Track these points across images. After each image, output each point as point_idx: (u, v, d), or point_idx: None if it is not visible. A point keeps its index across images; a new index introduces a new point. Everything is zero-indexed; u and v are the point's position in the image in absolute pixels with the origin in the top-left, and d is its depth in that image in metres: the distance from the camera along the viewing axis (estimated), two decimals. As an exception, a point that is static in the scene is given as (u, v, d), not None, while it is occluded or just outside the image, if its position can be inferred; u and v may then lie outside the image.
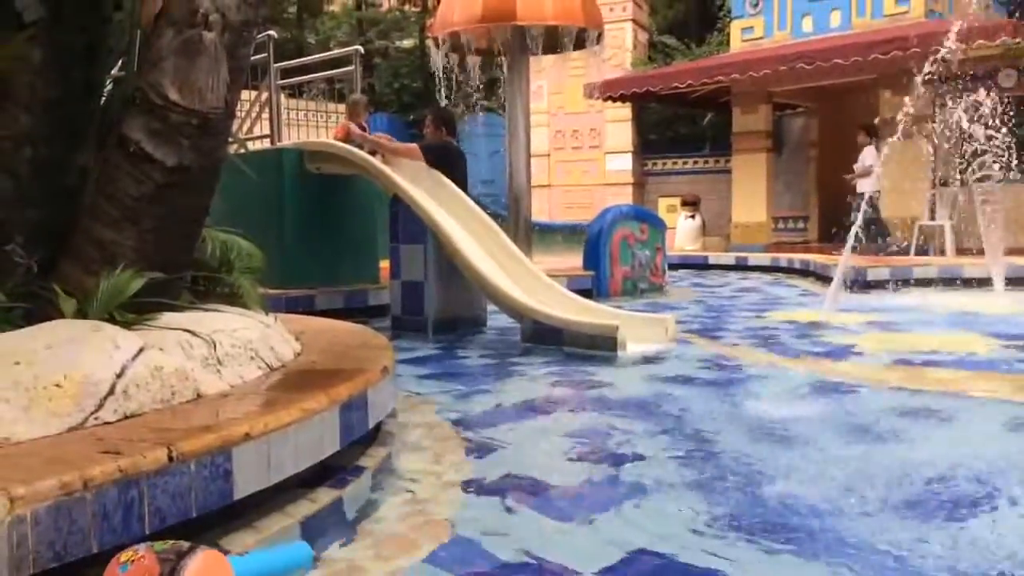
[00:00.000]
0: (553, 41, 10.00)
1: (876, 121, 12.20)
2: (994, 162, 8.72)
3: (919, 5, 12.68)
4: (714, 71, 13.47)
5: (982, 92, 8.73)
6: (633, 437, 3.29)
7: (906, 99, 7.45)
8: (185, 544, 1.63)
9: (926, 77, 7.37)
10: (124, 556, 1.59)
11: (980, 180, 9.05)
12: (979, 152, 8.88)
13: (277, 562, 1.89)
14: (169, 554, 1.58)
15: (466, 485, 2.73)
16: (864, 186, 11.99)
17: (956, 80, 8.91)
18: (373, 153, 6.98)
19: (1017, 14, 13.22)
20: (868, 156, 12.12)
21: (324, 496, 2.35)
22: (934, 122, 8.82)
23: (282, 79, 9.06)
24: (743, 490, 2.63)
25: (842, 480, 2.70)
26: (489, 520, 2.41)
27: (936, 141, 10.81)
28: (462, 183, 6.90)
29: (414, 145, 7.10)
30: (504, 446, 3.22)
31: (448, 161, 6.95)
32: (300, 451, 2.24)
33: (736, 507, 2.47)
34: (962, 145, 9.34)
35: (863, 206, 12.30)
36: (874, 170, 11.95)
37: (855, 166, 12.25)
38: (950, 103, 9.40)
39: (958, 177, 10.16)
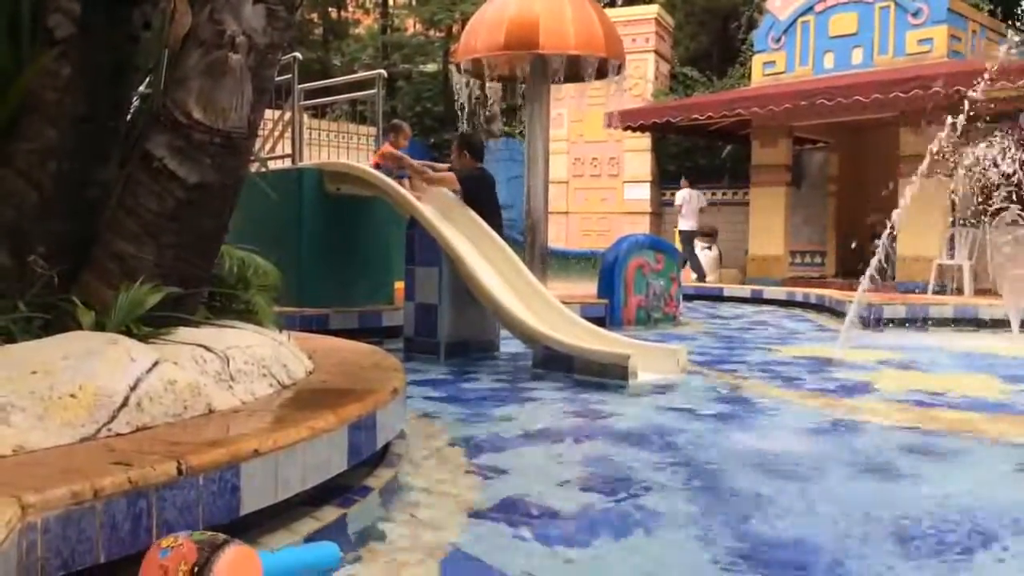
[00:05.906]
0: (575, 70, 10.04)
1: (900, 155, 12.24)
2: (1014, 203, 8.68)
3: (942, 45, 12.70)
4: (734, 104, 13.50)
5: (1002, 133, 8.71)
6: (639, 467, 3.29)
7: (928, 138, 7.45)
8: (220, 536, 1.68)
9: (948, 118, 7.37)
10: (165, 542, 1.65)
11: (998, 219, 9.00)
12: (999, 193, 8.85)
13: (306, 560, 1.92)
14: (204, 545, 1.62)
15: (471, 509, 2.74)
16: (683, 225, 14.63)
17: (976, 121, 8.89)
18: (395, 176, 7.01)
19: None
20: (678, 197, 14.82)
21: (329, 514, 2.37)
22: (953, 162, 8.81)
23: (306, 100, 9.15)
24: (747, 525, 2.62)
25: (848, 518, 2.69)
26: (492, 545, 2.42)
27: (955, 181, 10.78)
28: (495, 212, 6.90)
29: (451, 174, 7.04)
30: (510, 471, 3.23)
31: (482, 192, 6.93)
32: (307, 469, 2.26)
33: (740, 542, 2.47)
34: (982, 185, 9.30)
35: (682, 244, 14.31)
36: (684, 210, 14.47)
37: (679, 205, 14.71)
38: (970, 143, 9.38)
39: (976, 217, 10.11)
